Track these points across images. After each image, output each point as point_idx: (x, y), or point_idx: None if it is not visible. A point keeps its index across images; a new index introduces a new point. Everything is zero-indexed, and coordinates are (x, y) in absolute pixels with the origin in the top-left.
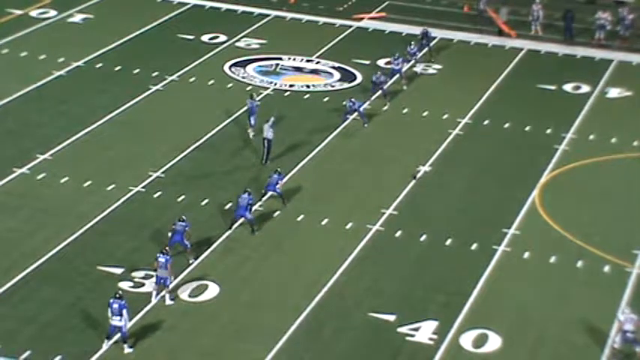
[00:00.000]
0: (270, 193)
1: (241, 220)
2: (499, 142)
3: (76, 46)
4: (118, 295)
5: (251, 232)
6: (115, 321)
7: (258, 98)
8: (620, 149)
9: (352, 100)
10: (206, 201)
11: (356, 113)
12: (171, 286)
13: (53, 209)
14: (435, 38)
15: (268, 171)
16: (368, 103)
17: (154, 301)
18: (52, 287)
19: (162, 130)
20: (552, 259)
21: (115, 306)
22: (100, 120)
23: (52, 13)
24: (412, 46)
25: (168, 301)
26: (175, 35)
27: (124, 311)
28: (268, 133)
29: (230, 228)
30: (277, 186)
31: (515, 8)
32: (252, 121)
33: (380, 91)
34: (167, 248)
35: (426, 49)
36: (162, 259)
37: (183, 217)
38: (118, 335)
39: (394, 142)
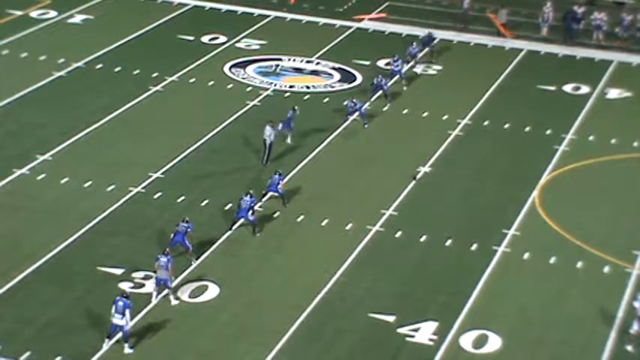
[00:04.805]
0: (270, 194)
1: (242, 221)
2: (499, 143)
3: (76, 47)
4: (125, 295)
5: (252, 233)
6: (117, 319)
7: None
8: (620, 150)
9: (353, 100)
10: (206, 201)
11: (357, 114)
12: (173, 286)
13: (53, 210)
14: (435, 39)
15: (268, 172)
16: (368, 104)
17: (154, 301)
18: (52, 288)
19: (162, 130)
20: (552, 260)
21: (120, 304)
22: (100, 120)
23: (53, 13)
24: (413, 46)
25: (173, 302)
26: (175, 36)
27: (127, 311)
28: (271, 135)
29: (231, 229)
30: (278, 187)
31: (515, 9)
32: (283, 127)
33: (381, 91)
34: (167, 249)
35: (427, 49)
36: (163, 260)
37: (187, 218)
38: (119, 335)
39: (394, 142)
